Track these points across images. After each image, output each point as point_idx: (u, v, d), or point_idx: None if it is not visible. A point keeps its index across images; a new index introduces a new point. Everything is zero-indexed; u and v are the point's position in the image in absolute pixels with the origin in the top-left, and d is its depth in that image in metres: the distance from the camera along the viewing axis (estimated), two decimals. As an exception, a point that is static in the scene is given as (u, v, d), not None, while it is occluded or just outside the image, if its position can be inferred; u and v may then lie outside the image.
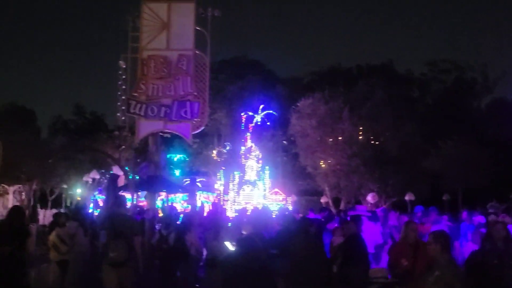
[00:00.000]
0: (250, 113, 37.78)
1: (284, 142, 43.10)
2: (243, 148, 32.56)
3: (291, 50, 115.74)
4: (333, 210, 31.86)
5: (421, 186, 31.93)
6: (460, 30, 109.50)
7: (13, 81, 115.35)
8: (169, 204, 22.59)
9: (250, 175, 30.51)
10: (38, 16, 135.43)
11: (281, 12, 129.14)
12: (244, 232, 7.87)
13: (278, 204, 28.15)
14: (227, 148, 40.85)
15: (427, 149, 32.95)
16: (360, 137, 35.31)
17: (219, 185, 29.94)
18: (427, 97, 50.40)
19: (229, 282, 7.88)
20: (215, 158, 41.99)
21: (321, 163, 35.04)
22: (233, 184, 29.62)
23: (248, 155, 31.33)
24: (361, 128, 35.41)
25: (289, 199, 31.67)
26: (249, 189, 29.66)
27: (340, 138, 34.34)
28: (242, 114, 37.61)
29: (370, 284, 6.55)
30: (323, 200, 35.42)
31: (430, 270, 6.11)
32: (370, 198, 31.01)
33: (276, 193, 31.61)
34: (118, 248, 9.09)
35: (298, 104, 35.97)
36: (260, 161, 31.80)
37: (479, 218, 13.10)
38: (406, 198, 29.35)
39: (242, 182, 29.88)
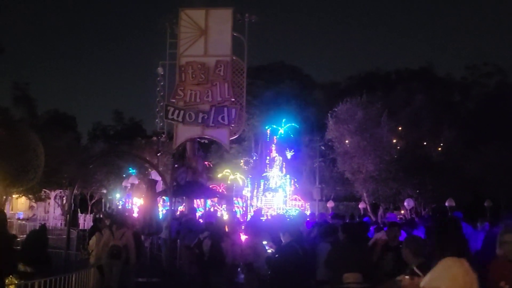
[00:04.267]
0: (274, 126, 39.54)
1: (322, 147, 42.81)
2: (268, 158, 34.05)
3: (328, 55, 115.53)
4: (372, 216, 31.70)
5: (462, 192, 31.22)
6: (501, 32, 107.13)
7: (56, 89, 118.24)
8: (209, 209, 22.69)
9: (273, 182, 31.94)
10: (78, 27, 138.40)
11: (318, 17, 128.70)
12: (283, 240, 7.82)
13: (297, 210, 29.05)
14: (254, 158, 41.48)
15: (468, 155, 32.24)
16: (399, 142, 34.78)
17: (246, 192, 30.62)
18: (468, 101, 49.39)
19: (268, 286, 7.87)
20: (243, 166, 42.63)
21: (359, 169, 34.63)
22: (258, 191, 30.62)
23: (272, 164, 33.11)
24: (400, 133, 34.90)
25: (308, 205, 32.91)
26: (271, 196, 30.59)
27: (378, 143, 33.88)
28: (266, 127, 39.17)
29: None
30: (361, 206, 35.07)
31: (401, 275, 5.98)
32: (407, 203, 30.58)
33: (295, 199, 32.63)
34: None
35: (336, 109, 35.69)
36: (284, 170, 33.23)
37: None
38: (447, 204, 28.71)
39: (265, 189, 30.97)
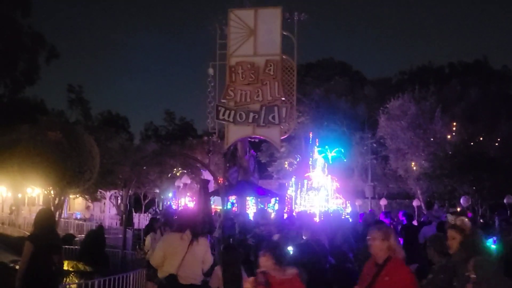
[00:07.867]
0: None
1: (373, 144, 42.26)
2: (311, 159, 34.36)
3: (379, 50, 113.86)
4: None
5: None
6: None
7: (108, 91, 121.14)
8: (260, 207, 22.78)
9: (315, 182, 32.08)
10: (129, 29, 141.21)
11: (367, 11, 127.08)
12: (304, 237, 7.69)
13: (339, 207, 29.44)
14: (298, 159, 41.59)
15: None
16: (454, 138, 33.96)
17: (291, 191, 30.79)
18: (526, 94, 47.73)
19: None
20: (287, 167, 42.78)
21: (412, 165, 34.01)
22: (301, 191, 30.83)
23: (315, 165, 33.42)
24: (454, 128, 34.09)
25: (348, 203, 33.22)
26: (313, 195, 30.71)
27: (432, 139, 33.18)
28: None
29: None
30: (415, 203, 34.43)
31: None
32: (463, 201, 29.75)
33: (337, 197, 32.89)
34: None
35: (387, 105, 35.19)
36: (326, 170, 33.44)
37: None
38: (505, 201, 27.78)
39: (308, 189, 31.08)
